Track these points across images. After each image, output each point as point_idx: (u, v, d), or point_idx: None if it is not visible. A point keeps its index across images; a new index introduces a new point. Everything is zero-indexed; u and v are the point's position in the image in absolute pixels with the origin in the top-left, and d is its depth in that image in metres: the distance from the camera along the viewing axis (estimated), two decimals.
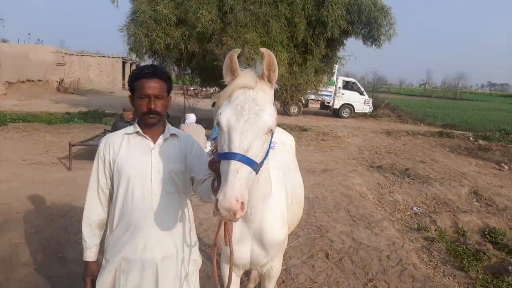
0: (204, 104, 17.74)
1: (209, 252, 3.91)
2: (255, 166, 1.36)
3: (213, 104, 10.85)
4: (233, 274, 1.86)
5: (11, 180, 6.19)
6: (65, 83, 27.37)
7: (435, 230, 5.48)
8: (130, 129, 1.81)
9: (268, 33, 10.83)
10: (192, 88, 24.18)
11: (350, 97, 21.51)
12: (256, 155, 1.36)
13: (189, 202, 1.94)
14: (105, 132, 8.99)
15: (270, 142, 1.50)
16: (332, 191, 6.61)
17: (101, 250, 1.85)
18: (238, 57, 1.44)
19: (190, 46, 11.29)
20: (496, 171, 9.51)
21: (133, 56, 13.85)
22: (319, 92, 17.08)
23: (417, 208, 6.36)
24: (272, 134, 1.48)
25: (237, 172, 1.28)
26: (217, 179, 1.44)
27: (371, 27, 11.85)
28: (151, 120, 1.75)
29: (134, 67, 32.99)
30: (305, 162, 8.49)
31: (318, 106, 22.05)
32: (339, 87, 21.39)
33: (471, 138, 14.17)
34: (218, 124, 1.42)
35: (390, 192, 7.13)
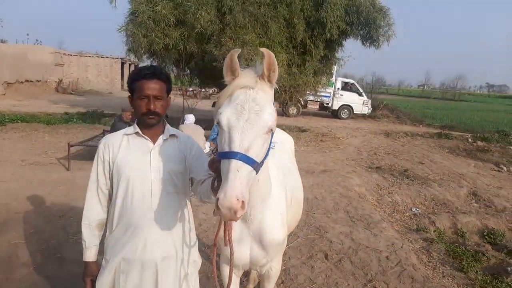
0: (203, 104, 17.74)
1: (208, 253, 3.91)
2: (256, 166, 1.36)
3: (213, 104, 10.86)
4: (233, 274, 1.86)
5: (10, 180, 6.18)
6: (64, 83, 27.32)
7: (434, 231, 5.49)
8: (129, 129, 1.82)
9: (267, 34, 10.85)
10: (191, 89, 24.19)
11: (349, 98, 21.55)
12: (256, 155, 1.37)
13: (188, 203, 1.94)
14: (104, 133, 8.98)
15: (270, 142, 1.51)
16: (331, 192, 6.61)
17: (101, 250, 1.85)
18: (237, 57, 1.44)
19: (189, 46, 11.30)
20: (494, 172, 9.53)
21: (132, 57, 13.83)
22: (318, 93, 17.11)
23: (416, 209, 6.36)
24: (272, 134, 1.49)
25: (237, 171, 1.28)
26: (217, 179, 1.44)
27: (370, 28, 11.88)
28: (150, 120, 1.75)
29: (133, 67, 33.00)
30: (304, 163, 8.49)
31: (317, 107, 22.08)
32: (338, 88, 21.43)
33: (469, 139, 14.22)
34: (218, 123, 1.43)
35: (389, 193, 7.14)
